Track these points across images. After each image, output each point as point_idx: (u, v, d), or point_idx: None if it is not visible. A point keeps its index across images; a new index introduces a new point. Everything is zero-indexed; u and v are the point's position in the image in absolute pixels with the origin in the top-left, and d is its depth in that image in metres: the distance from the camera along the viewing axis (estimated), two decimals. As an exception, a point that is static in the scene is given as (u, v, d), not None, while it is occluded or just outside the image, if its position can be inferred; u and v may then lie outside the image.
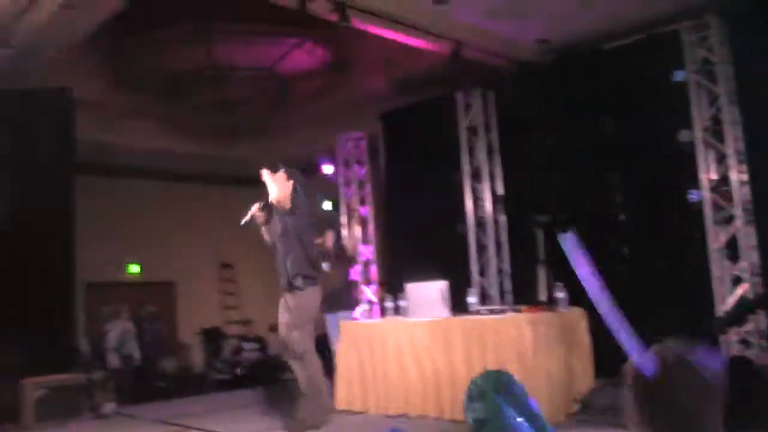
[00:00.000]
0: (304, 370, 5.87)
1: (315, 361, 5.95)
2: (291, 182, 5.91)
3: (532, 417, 2.11)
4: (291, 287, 5.90)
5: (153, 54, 9.20)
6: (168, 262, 12.73)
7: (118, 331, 10.44)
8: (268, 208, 5.93)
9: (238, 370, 10.86)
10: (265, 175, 5.94)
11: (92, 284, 11.37)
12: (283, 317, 5.92)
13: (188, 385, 11.56)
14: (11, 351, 7.05)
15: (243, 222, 5.89)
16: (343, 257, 8.21)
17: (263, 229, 6.04)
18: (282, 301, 6.00)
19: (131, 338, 10.60)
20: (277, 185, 5.89)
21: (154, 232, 12.41)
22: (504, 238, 9.07)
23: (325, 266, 7.93)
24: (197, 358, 12.57)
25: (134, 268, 12.52)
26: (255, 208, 5.91)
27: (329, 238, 8.22)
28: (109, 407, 7.22)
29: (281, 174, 5.95)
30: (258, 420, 6.55)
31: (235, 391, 10.02)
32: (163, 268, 12.71)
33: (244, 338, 11.72)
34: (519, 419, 2.07)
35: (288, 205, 5.86)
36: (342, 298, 7.82)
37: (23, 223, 7.44)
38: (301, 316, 5.86)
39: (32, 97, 7.92)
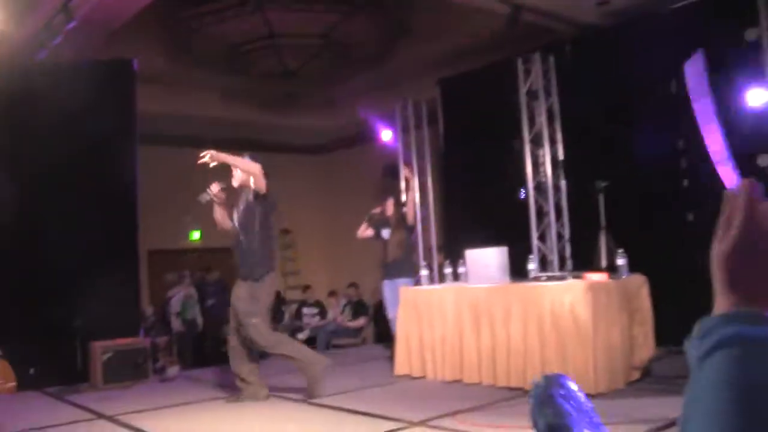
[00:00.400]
0: (280, 350, 5.95)
1: (283, 339, 6.17)
2: (259, 165, 5.87)
3: (593, 426, 2.10)
4: (250, 277, 5.90)
5: (212, 24, 9.28)
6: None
7: (181, 296, 10.67)
8: (228, 190, 5.92)
9: (299, 335, 11.02)
10: (230, 157, 5.90)
11: (154, 251, 11.65)
12: (240, 304, 5.89)
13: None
14: (81, 315, 7.30)
15: (201, 198, 5.88)
16: (402, 224, 8.21)
17: (218, 210, 6.00)
18: (239, 288, 5.98)
19: (194, 304, 10.82)
20: (244, 169, 5.86)
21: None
22: (564, 203, 8.96)
23: (385, 233, 7.96)
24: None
25: (195, 235, 12.75)
26: (217, 188, 5.88)
27: (389, 205, 8.23)
28: (173, 371, 7.41)
29: (246, 158, 5.95)
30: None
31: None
32: (224, 234, 12.90)
33: (303, 303, 11.87)
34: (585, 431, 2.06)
35: (264, 191, 5.85)
36: (401, 265, 7.83)
37: (89, 193, 7.63)
38: (258, 305, 5.86)
39: (95, 70, 8.08)
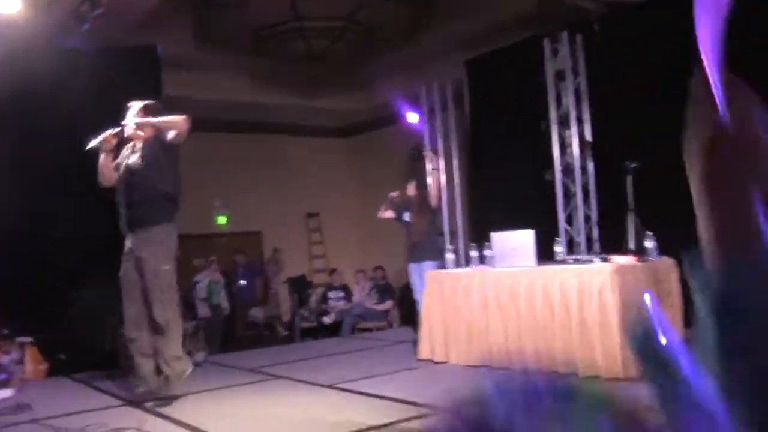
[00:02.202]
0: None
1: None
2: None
3: None
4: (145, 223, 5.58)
5: (237, 7, 9.25)
6: (255, 212, 12.96)
7: (206, 282, 10.72)
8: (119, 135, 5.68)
9: (325, 319, 11.04)
10: (154, 120, 5.64)
11: (182, 235, 11.68)
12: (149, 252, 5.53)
13: (276, 333, 11.87)
14: (109, 299, 7.34)
15: (91, 146, 5.61)
16: (425, 206, 8.16)
17: (104, 157, 5.69)
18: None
19: (220, 288, 10.87)
20: (172, 125, 5.56)
21: (241, 183, 12.63)
22: (592, 185, 8.84)
23: (406, 215, 7.92)
24: (284, 306, 12.84)
25: (223, 220, 12.81)
26: (109, 133, 5.63)
27: (410, 188, 8.18)
28: (200, 356, 7.44)
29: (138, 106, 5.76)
30: (342, 368, 6.64)
31: (322, 339, 10.24)
32: (251, 218, 12.96)
33: (329, 287, 11.89)
34: None
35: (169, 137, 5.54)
36: (426, 247, 7.79)
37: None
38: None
39: (121, 56, 8.09)
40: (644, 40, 7.96)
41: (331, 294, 11.56)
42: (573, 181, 8.83)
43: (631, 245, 6.57)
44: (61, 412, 5.24)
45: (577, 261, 6.08)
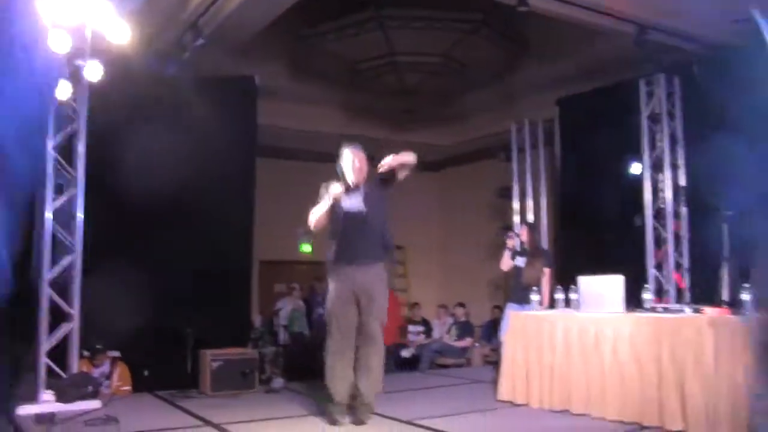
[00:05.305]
0: None
1: None
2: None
3: None
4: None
5: (333, 41, 9.45)
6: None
7: (289, 309, 10.84)
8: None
9: (403, 352, 10.99)
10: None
11: (266, 262, 11.90)
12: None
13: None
14: (193, 322, 7.53)
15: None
16: (539, 250, 8.04)
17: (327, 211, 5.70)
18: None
19: (300, 316, 10.97)
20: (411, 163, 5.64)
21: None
22: (684, 231, 8.60)
23: (519, 261, 7.85)
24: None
25: (307, 248, 12.96)
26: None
27: (523, 233, 8.10)
28: (278, 383, 7.51)
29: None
30: (421, 404, 6.60)
31: (399, 373, 10.18)
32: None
33: (410, 320, 11.86)
34: None
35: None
36: (530, 293, 7.57)
37: (208, 202, 7.87)
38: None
39: (219, 85, 8.37)
40: (744, 83, 7.73)
41: (411, 328, 11.54)
42: (664, 226, 8.61)
43: (725, 297, 6.34)
44: (147, 428, 5.38)
45: (666, 310, 5.89)
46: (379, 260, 5.67)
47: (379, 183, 5.75)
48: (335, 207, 5.65)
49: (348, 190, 5.70)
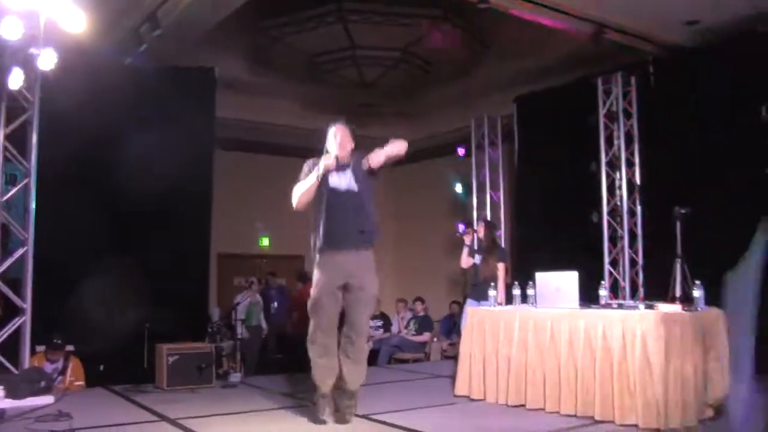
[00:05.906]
0: None
1: None
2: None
3: None
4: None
5: (292, 34, 9.39)
6: (298, 236, 13.00)
7: (246, 303, 10.77)
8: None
9: (362, 347, 10.98)
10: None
11: (224, 255, 11.81)
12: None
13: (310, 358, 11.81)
14: (150, 316, 7.44)
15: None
16: (496, 247, 8.06)
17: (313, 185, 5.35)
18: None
19: (258, 310, 10.91)
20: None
21: (286, 206, 12.71)
22: (639, 229, 8.73)
23: (477, 258, 7.87)
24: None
25: (265, 241, 12.89)
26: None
27: (480, 229, 8.11)
28: (235, 377, 7.45)
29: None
30: (377, 399, 6.59)
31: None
32: (293, 241, 13.01)
33: (368, 315, 11.85)
34: None
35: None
36: (490, 288, 7.60)
37: (165, 194, 7.76)
38: None
39: (177, 76, 8.26)
40: (699, 84, 7.87)
41: (370, 322, 11.52)
42: (620, 223, 8.73)
43: (678, 293, 6.46)
44: (100, 423, 5.29)
45: (621, 306, 5.97)
46: (370, 245, 5.35)
47: (365, 171, 5.38)
48: (321, 185, 5.28)
49: (336, 166, 5.31)
